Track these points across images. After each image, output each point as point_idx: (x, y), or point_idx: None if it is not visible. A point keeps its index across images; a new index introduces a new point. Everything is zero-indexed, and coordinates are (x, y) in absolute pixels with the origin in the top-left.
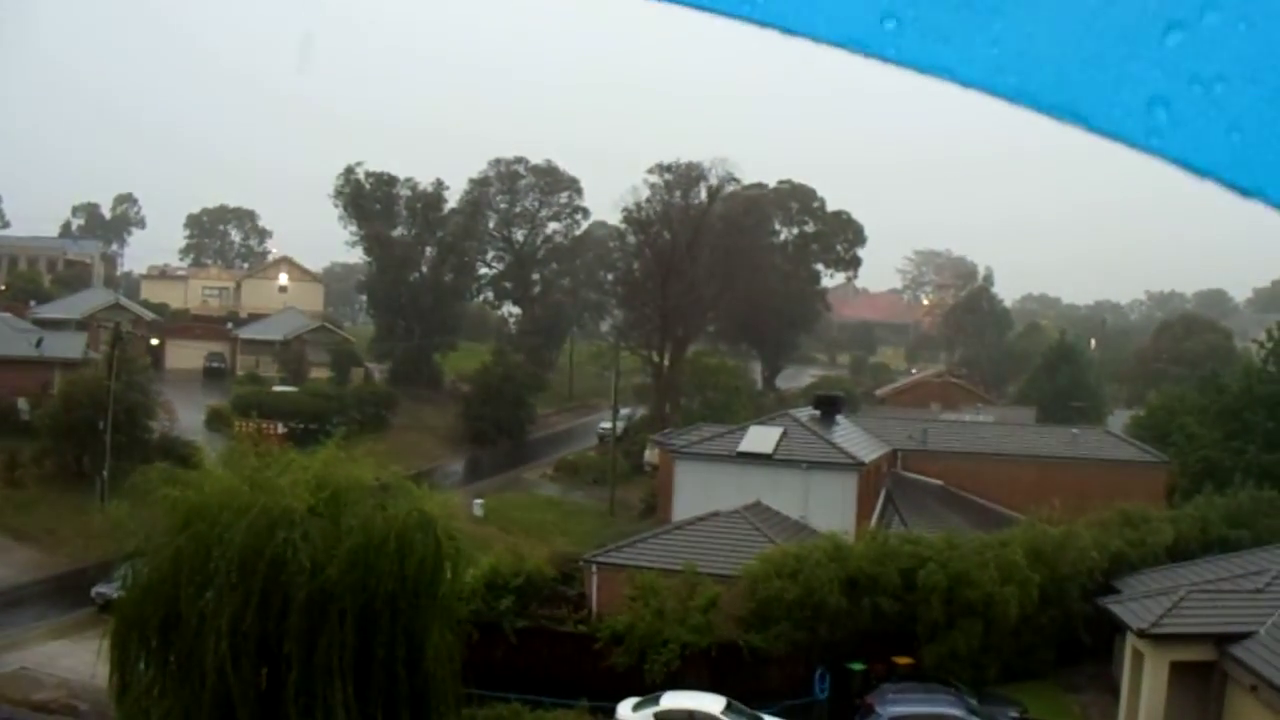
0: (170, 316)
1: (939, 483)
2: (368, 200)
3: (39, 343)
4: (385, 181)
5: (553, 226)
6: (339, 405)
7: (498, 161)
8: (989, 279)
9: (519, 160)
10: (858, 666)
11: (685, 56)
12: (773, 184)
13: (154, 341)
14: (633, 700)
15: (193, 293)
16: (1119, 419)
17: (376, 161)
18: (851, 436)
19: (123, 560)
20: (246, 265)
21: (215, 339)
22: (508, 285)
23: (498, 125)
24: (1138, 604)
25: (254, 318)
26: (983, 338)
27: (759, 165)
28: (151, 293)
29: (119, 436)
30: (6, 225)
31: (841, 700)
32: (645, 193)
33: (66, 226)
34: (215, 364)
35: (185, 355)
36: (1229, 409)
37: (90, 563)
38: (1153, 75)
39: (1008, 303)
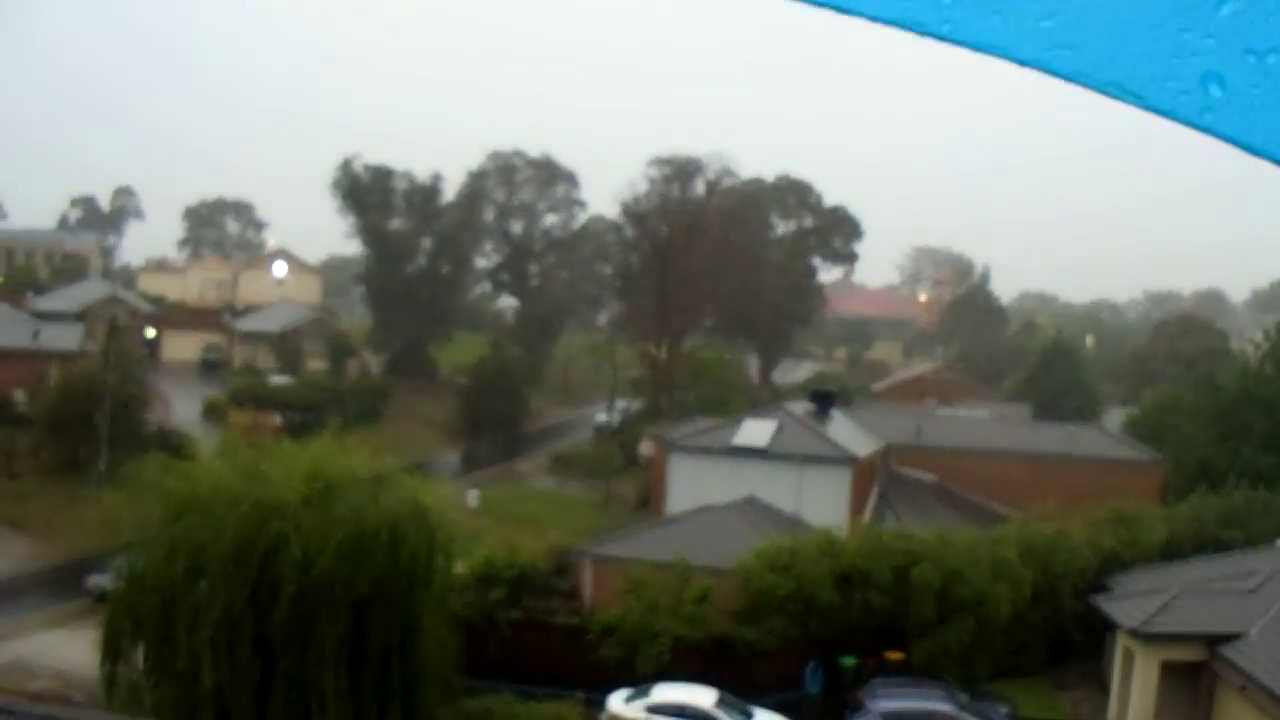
0: (167, 308)
1: (933, 478)
2: (365, 192)
3: (36, 334)
4: (383, 174)
5: (550, 219)
6: (335, 397)
7: (495, 154)
8: (986, 276)
9: (516, 153)
10: (849, 661)
11: (684, 48)
12: (770, 178)
13: (151, 333)
14: (624, 692)
15: (190, 285)
16: (1115, 418)
17: (374, 154)
18: (846, 431)
19: (117, 551)
20: (244, 257)
21: (212, 331)
22: (505, 278)
23: (495, 118)
24: (1129, 603)
25: (251, 310)
26: (979, 334)
27: (757, 159)
28: (149, 285)
29: (115, 428)
30: (4, 218)
31: (833, 695)
32: (643, 186)
33: (64, 219)
34: (212, 356)
35: (182, 347)
36: (1224, 409)
37: (86, 554)
38: (1206, 47)
39: (1005, 300)
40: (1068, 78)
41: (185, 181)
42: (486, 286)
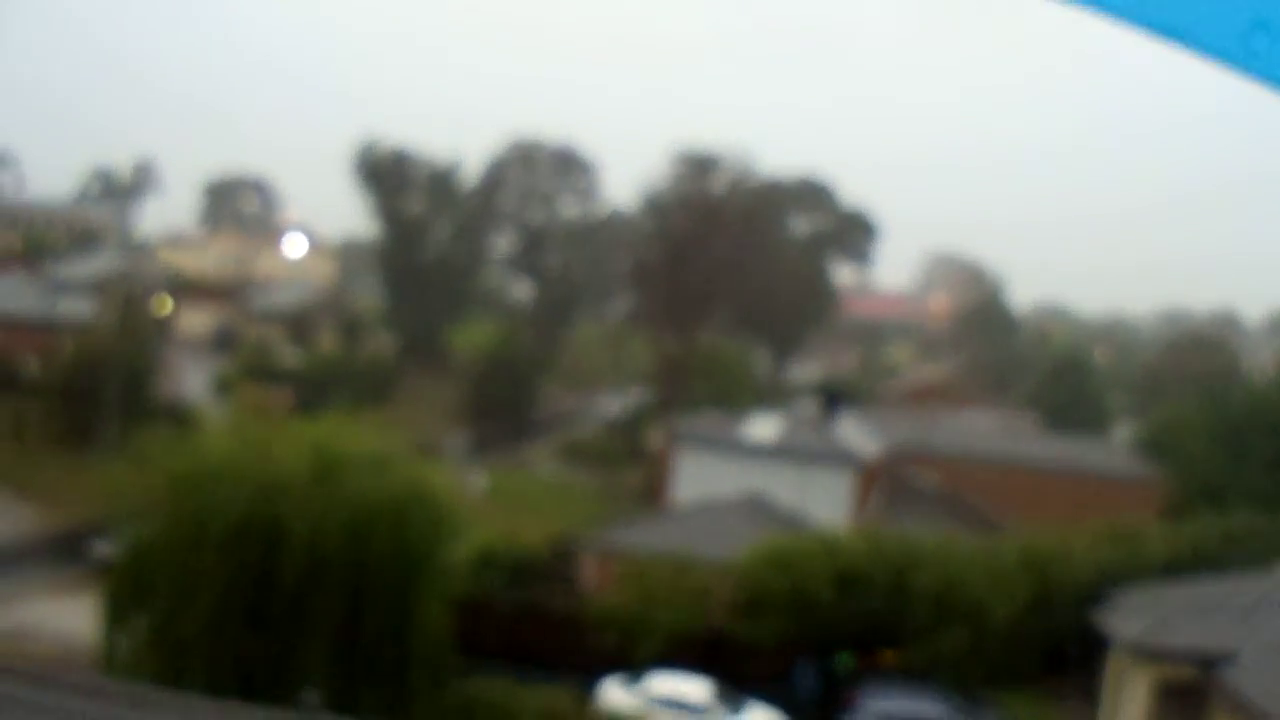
0: (183, 282)
1: (938, 483)
2: (384, 174)
3: (52, 303)
4: (403, 157)
5: (569, 208)
6: (346, 375)
7: (516, 142)
8: (1001, 284)
9: (537, 142)
10: (845, 660)
11: (706, 47)
12: (789, 178)
13: (166, 305)
14: (620, 680)
15: (206, 258)
16: (1122, 433)
17: (395, 136)
18: (853, 432)
19: (122, 520)
20: (261, 234)
21: (226, 305)
22: (521, 265)
23: (515, 106)
24: (1125, 618)
25: (266, 285)
26: (991, 342)
27: (775, 159)
28: (165, 257)
29: (125, 398)
30: (24, 188)
31: (827, 693)
32: (662, 180)
33: (83, 191)
34: (225, 330)
35: (196, 320)
36: (1231, 430)
37: (91, 522)
38: None
39: (1019, 310)
40: (1118, 14)
41: (206, 156)
42: (502, 272)
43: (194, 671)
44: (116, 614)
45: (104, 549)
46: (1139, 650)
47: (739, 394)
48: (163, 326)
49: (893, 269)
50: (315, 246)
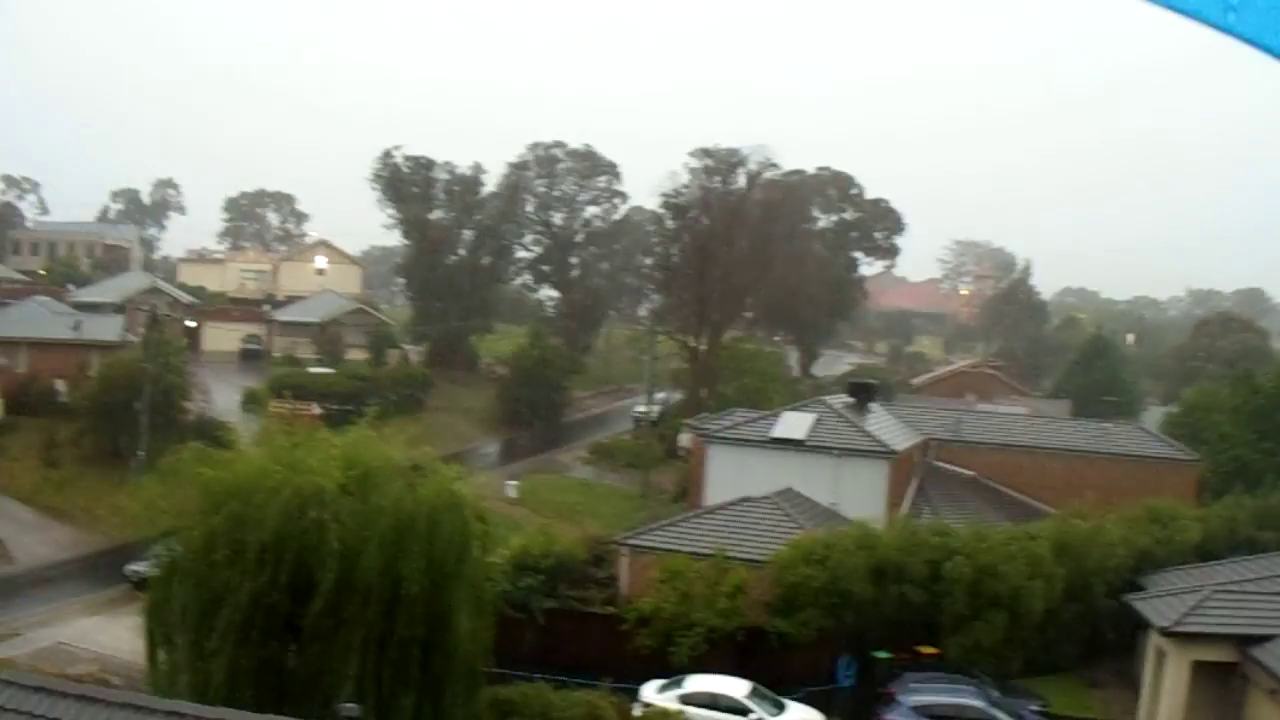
0: (208, 299)
1: (971, 473)
2: (406, 184)
3: (77, 326)
4: (423, 165)
5: (591, 210)
6: (375, 386)
7: (536, 145)
8: (1028, 270)
9: (557, 144)
10: (882, 655)
11: (724, 40)
12: (811, 170)
13: (191, 324)
14: (657, 682)
15: (230, 276)
16: (1153, 415)
17: (415, 146)
18: (885, 425)
19: (156, 539)
20: (284, 249)
21: (252, 321)
22: (545, 269)
23: (534, 110)
24: (1162, 602)
25: (291, 300)
26: (1020, 329)
27: (798, 151)
28: (189, 276)
29: (155, 417)
30: (46, 212)
31: (865, 688)
32: (684, 177)
33: (105, 212)
34: (252, 346)
35: (222, 337)
36: (1262, 409)
37: (125, 541)
38: None
39: (1046, 295)
40: None
41: (227, 174)
42: (527, 277)
43: (232, 685)
44: (155, 630)
45: (139, 568)
46: (1176, 633)
47: (769, 391)
48: (190, 344)
49: (919, 259)
50: (339, 258)
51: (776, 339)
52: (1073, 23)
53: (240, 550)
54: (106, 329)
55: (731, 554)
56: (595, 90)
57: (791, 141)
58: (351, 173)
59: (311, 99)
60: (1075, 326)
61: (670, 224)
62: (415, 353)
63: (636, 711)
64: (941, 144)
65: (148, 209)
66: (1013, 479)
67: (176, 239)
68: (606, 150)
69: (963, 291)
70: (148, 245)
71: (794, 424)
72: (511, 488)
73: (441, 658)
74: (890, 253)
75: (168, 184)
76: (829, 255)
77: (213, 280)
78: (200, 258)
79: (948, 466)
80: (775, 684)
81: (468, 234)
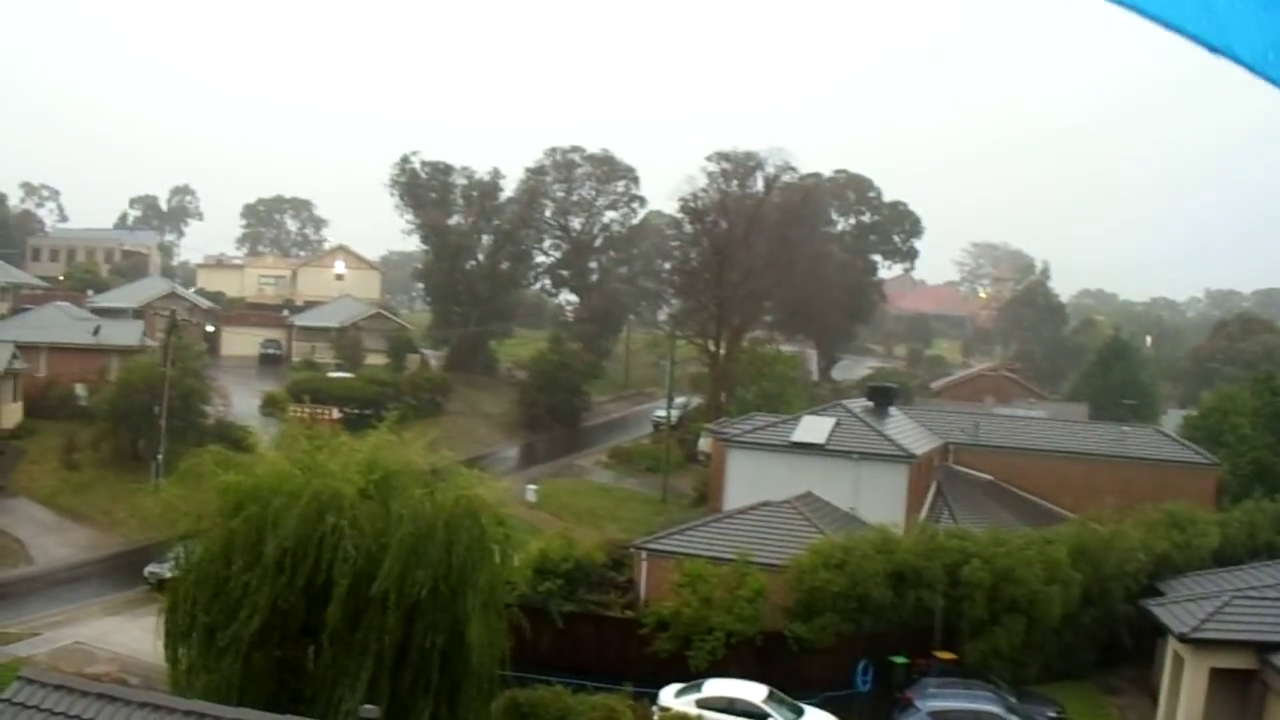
0: (226, 305)
1: (989, 477)
2: (424, 189)
3: (96, 330)
4: (441, 170)
5: (609, 215)
6: (394, 391)
7: (553, 150)
8: (1046, 273)
9: (575, 149)
10: (900, 660)
11: (743, 46)
12: (829, 173)
13: (210, 329)
14: (676, 687)
15: (249, 281)
16: (1172, 418)
17: (433, 151)
18: (904, 429)
19: (175, 541)
20: (303, 254)
21: (271, 326)
22: (564, 273)
23: (552, 115)
24: (1180, 608)
25: (310, 305)
26: (1038, 332)
27: (816, 155)
28: (208, 281)
29: (174, 421)
30: (65, 219)
31: (883, 693)
32: (702, 181)
33: (123, 218)
34: (271, 351)
35: (241, 342)
36: None
37: (144, 543)
38: None
39: (1064, 297)
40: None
41: (244, 181)
42: (546, 282)
43: (249, 687)
44: (174, 631)
45: (158, 569)
46: (1195, 640)
47: (788, 395)
48: (209, 349)
49: (937, 262)
50: (358, 264)
51: (795, 343)
52: (1089, 30)
53: (259, 554)
54: (125, 334)
55: (751, 558)
56: (612, 96)
57: (808, 145)
58: (369, 178)
59: (329, 105)
60: (1093, 329)
61: (688, 228)
62: (435, 357)
63: (654, 716)
64: (961, 147)
65: (166, 215)
66: (1031, 483)
67: (195, 245)
68: (624, 155)
69: (981, 294)
70: (166, 251)
71: (813, 428)
72: (531, 492)
73: (459, 662)
74: (908, 255)
75: (185, 190)
76: (847, 258)
77: (231, 286)
78: (219, 263)
79: (966, 470)
80: (793, 689)
81: (486, 239)
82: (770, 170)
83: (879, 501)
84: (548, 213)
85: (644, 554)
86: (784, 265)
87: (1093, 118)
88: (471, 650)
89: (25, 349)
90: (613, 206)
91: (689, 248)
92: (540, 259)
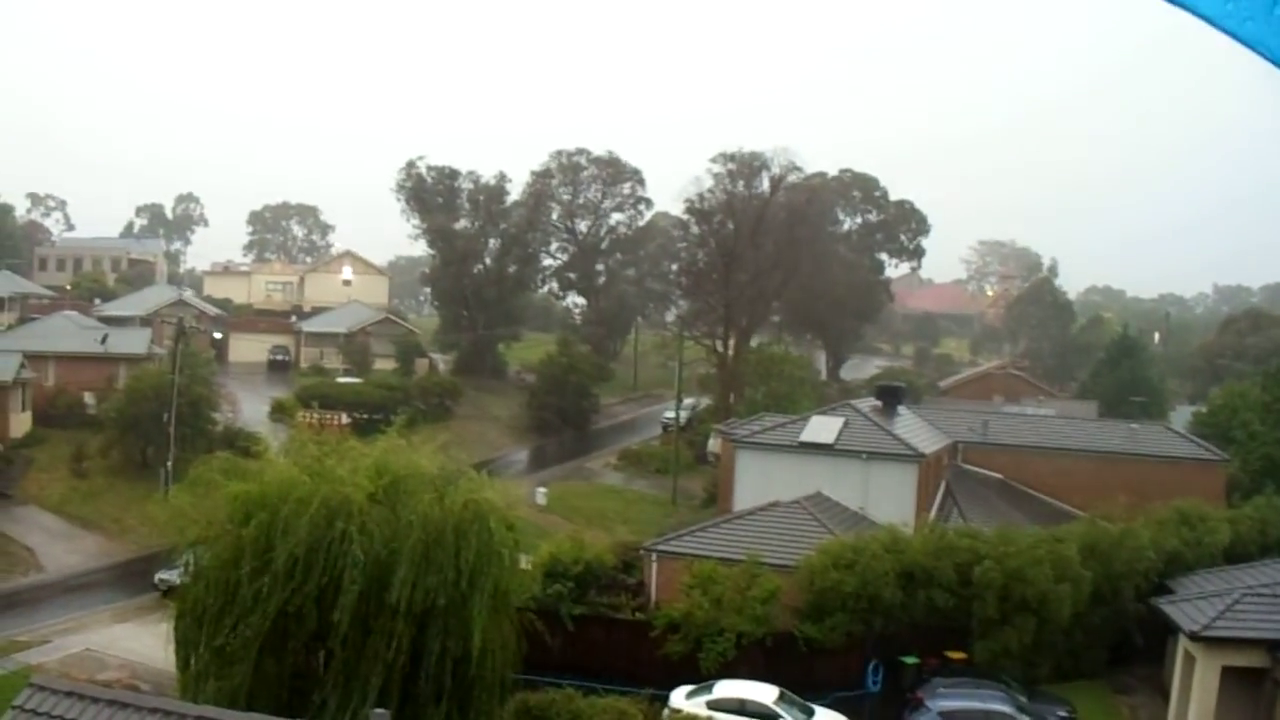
0: (234, 311)
1: (999, 476)
2: (430, 194)
3: (104, 339)
4: (447, 175)
5: (616, 217)
6: (403, 396)
7: (559, 153)
8: (1053, 270)
9: (581, 151)
10: (910, 660)
11: (741, 44)
12: (834, 172)
13: (218, 336)
14: (686, 688)
15: (256, 288)
16: (1182, 415)
17: (438, 156)
18: (913, 428)
19: (185, 548)
20: (309, 260)
21: (279, 332)
22: (572, 276)
23: (558, 118)
24: (1191, 606)
25: (318, 311)
26: (1046, 330)
27: (820, 153)
28: (215, 288)
29: (183, 428)
30: (71, 228)
31: (893, 693)
32: (708, 182)
33: (129, 227)
34: (279, 357)
35: (249, 349)
36: None
37: (153, 550)
38: None
39: (1071, 294)
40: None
41: (249, 187)
42: (554, 285)
43: (260, 692)
44: (184, 637)
45: (168, 576)
46: (1206, 638)
47: (797, 395)
48: (217, 356)
49: (944, 260)
50: (365, 269)
51: (803, 343)
52: (1088, 19)
53: (269, 560)
54: (133, 342)
55: (761, 559)
56: (614, 98)
57: (812, 143)
58: (376, 184)
59: (334, 112)
60: (1101, 326)
61: (695, 229)
62: (443, 362)
63: (665, 717)
64: (965, 144)
65: (171, 223)
66: (1040, 481)
67: (201, 252)
68: (629, 156)
69: (988, 292)
70: (172, 259)
71: (822, 428)
72: (541, 495)
73: (470, 666)
74: (915, 254)
75: (190, 199)
76: (854, 257)
77: (238, 292)
78: (225, 270)
79: (976, 469)
80: (803, 689)
81: (493, 243)
82: (775, 170)
83: (888, 501)
84: (554, 215)
85: (654, 556)
86: (791, 265)
87: (1097, 107)
88: (482, 654)
89: (33, 358)
90: (619, 208)
91: (696, 249)
92: (548, 262)
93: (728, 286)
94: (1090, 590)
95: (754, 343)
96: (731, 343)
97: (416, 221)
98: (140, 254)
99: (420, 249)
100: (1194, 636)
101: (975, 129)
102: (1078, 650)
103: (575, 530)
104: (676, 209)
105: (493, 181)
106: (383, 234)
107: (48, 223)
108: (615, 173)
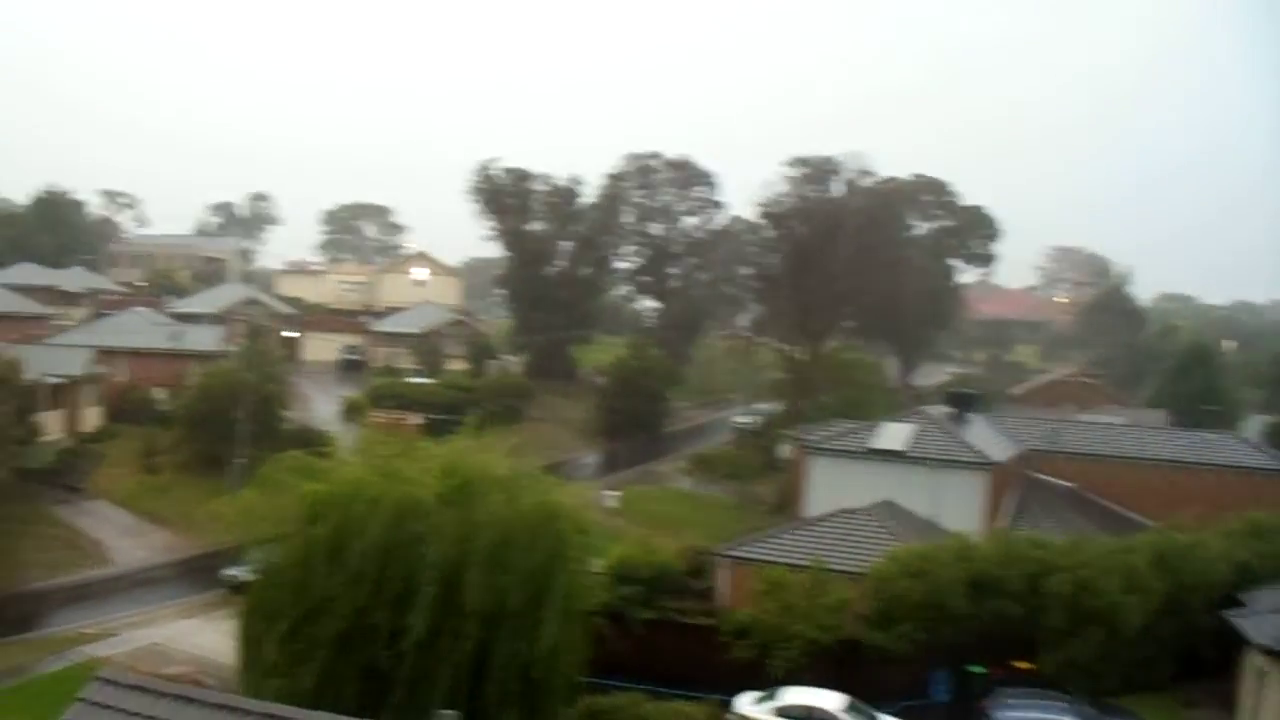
0: (306, 310)
1: (1069, 485)
2: (504, 195)
3: (176, 335)
4: (520, 177)
5: (689, 220)
6: (474, 397)
7: (633, 156)
8: (1125, 277)
9: (654, 155)
10: (978, 670)
11: (814, 48)
12: (906, 177)
13: (290, 334)
14: (753, 694)
15: (329, 287)
16: (1255, 424)
17: (510, 158)
18: (984, 435)
19: (254, 545)
20: (382, 260)
21: (351, 332)
22: (645, 279)
23: (631, 121)
24: (1263, 619)
25: (390, 311)
26: (1117, 337)
27: (892, 158)
28: (288, 287)
29: (254, 425)
30: (144, 225)
31: (960, 703)
32: (781, 186)
33: (203, 225)
34: (351, 356)
35: (321, 348)
36: None
37: (222, 547)
38: None
39: (1143, 301)
40: None
41: (323, 187)
42: (627, 288)
43: (327, 692)
44: (250, 634)
45: (235, 573)
46: (1278, 652)
47: (869, 402)
48: (289, 354)
49: (1015, 266)
50: (439, 270)
51: (875, 348)
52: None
53: (341, 560)
54: (205, 339)
55: (829, 566)
56: (689, 101)
57: (884, 148)
58: (449, 185)
59: (408, 113)
60: (1174, 333)
61: (768, 233)
62: (515, 363)
63: None
64: (1039, 146)
65: (244, 222)
66: (1111, 490)
67: (273, 251)
68: (703, 160)
69: (1060, 299)
70: (245, 257)
71: (893, 435)
72: (611, 498)
73: (538, 669)
74: (987, 260)
75: (262, 197)
76: (926, 263)
77: (311, 291)
78: (298, 269)
79: (1046, 478)
80: (869, 697)
81: (566, 245)
82: (848, 174)
83: (958, 509)
84: (628, 218)
85: (724, 561)
86: (863, 270)
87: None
88: (551, 657)
89: (105, 354)
90: (692, 212)
91: (769, 253)
92: (621, 265)
93: (800, 291)
94: (1159, 602)
95: (826, 348)
96: (804, 348)
97: (490, 223)
98: (213, 252)
99: (493, 250)
100: (1266, 651)
101: (1048, 127)
102: (1146, 662)
103: (645, 534)
104: (750, 213)
105: (566, 184)
106: (456, 235)
107: (120, 219)
108: (688, 176)
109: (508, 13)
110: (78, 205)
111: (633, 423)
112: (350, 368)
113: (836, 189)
